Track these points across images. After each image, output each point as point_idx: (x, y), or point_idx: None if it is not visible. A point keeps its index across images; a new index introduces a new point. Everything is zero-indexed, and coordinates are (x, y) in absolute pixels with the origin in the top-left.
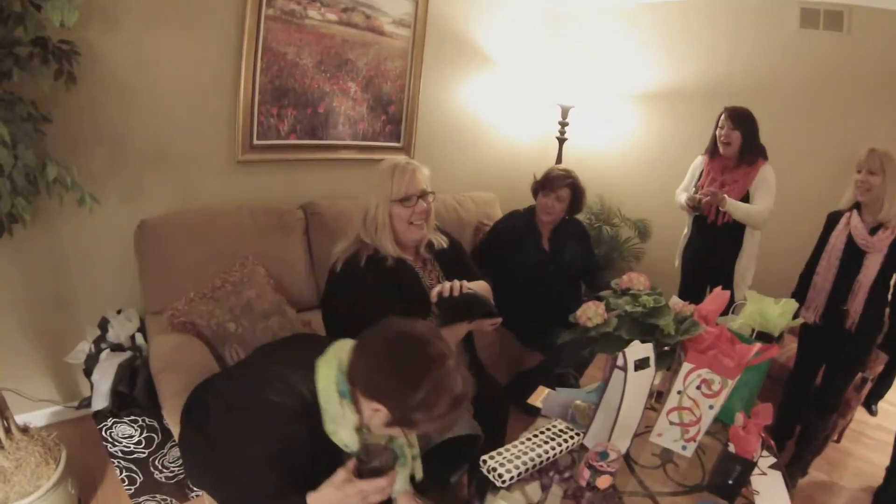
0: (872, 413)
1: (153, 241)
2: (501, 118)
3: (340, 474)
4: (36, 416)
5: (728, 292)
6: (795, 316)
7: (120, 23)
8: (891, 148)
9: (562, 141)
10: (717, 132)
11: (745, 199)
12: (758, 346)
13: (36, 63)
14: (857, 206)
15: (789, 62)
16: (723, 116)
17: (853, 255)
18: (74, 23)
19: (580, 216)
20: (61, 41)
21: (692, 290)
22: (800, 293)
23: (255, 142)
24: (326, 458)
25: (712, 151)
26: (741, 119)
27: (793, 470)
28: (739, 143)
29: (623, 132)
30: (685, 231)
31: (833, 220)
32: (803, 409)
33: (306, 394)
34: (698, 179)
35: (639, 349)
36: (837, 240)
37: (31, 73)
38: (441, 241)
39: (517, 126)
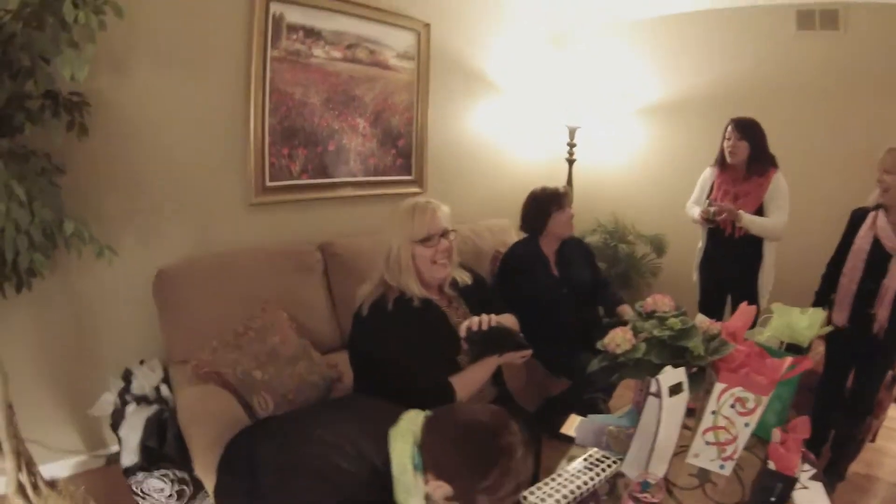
0: None
1: (172, 290)
2: (510, 143)
3: None
4: (60, 467)
5: (754, 307)
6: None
7: (128, 71)
8: (890, 142)
9: (571, 162)
10: (725, 144)
11: (760, 209)
12: (790, 360)
13: (47, 116)
14: (883, 205)
15: (790, 65)
16: (729, 128)
17: (880, 258)
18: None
19: (592, 238)
20: (72, 93)
21: (711, 302)
22: (823, 293)
23: (268, 183)
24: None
25: (721, 163)
26: (747, 129)
27: (830, 476)
28: (747, 153)
29: (631, 148)
30: (700, 244)
31: (858, 217)
32: (836, 413)
33: (377, 463)
34: (710, 192)
35: (671, 375)
36: (863, 241)
37: (43, 126)
38: (465, 278)
39: (526, 150)
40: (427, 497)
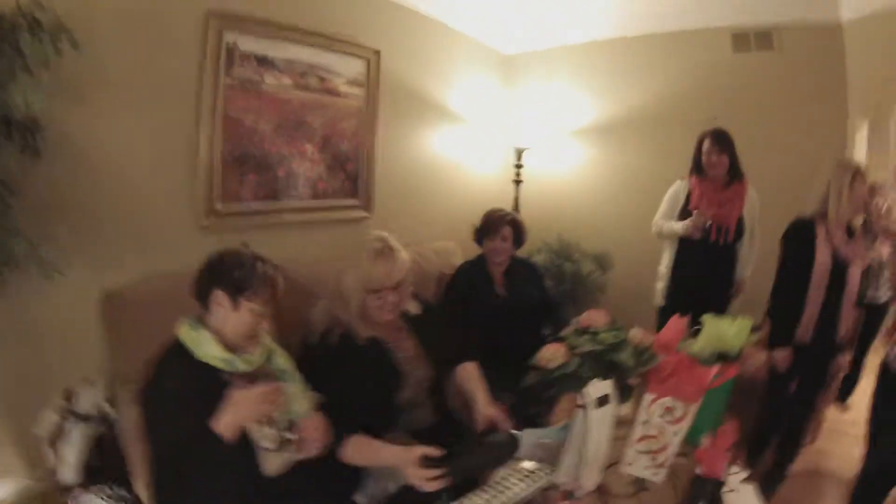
0: (844, 407)
1: (119, 311)
2: (458, 166)
3: (231, 393)
4: None
5: (686, 319)
6: (773, 338)
7: (81, 97)
8: (829, 154)
9: (518, 183)
10: (705, 158)
11: (740, 217)
12: (716, 368)
13: (0, 139)
14: (821, 214)
15: (728, 85)
16: (707, 141)
17: (839, 271)
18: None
19: (538, 257)
20: (25, 117)
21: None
22: (779, 312)
23: (218, 207)
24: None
25: (699, 172)
26: (726, 142)
27: (772, 477)
28: (727, 165)
29: (576, 169)
30: (663, 268)
31: (801, 227)
32: (780, 418)
33: (175, 348)
34: (685, 203)
35: (598, 387)
36: (823, 257)
37: None
38: (413, 308)
39: (474, 172)
40: (227, 343)
